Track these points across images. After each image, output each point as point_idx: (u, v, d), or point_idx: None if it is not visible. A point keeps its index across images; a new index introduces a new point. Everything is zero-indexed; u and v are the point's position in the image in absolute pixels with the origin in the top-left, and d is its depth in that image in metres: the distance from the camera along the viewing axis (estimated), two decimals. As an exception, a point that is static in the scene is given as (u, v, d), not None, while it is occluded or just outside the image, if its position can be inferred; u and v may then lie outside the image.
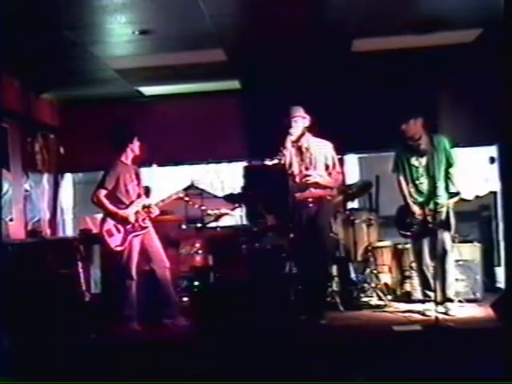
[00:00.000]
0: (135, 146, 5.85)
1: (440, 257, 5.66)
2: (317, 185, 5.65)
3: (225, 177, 8.60)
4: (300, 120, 5.70)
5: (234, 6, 5.38)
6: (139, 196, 5.82)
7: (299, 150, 5.71)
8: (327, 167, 5.71)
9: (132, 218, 5.66)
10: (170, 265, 5.88)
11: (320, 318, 5.58)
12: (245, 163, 8.10)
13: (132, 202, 5.74)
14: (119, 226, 5.67)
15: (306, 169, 5.68)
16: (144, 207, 5.76)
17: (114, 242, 5.64)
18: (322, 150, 5.72)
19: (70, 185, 8.46)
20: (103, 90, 7.71)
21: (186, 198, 6.43)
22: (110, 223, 5.66)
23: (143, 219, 5.73)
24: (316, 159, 5.68)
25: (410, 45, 6.41)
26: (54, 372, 4.21)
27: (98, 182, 5.76)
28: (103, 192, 5.65)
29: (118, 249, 5.64)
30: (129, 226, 5.67)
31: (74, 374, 4.16)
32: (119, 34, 5.84)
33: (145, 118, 7.63)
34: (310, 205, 5.64)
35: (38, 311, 5.60)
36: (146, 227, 5.74)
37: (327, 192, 5.74)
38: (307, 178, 5.61)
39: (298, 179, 5.66)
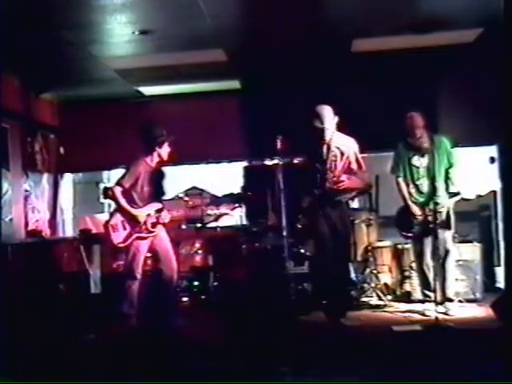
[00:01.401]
0: (164, 151, 5.74)
1: (441, 257, 5.67)
2: (348, 189, 5.51)
3: (225, 177, 8.59)
4: (331, 121, 5.46)
5: (235, 6, 5.38)
6: (154, 199, 5.79)
7: (328, 150, 5.51)
8: (352, 166, 5.54)
9: (142, 219, 5.64)
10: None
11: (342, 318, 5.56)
12: (245, 163, 8.11)
13: (145, 205, 5.71)
14: (126, 224, 5.65)
15: (332, 170, 5.48)
16: (157, 211, 5.74)
17: (117, 237, 5.61)
18: (347, 148, 5.53)
19: (70, 185, 8.46)
20: (103, 89, 7.71)
21: (186, 198, 6.44)
22: (118, 218, 5.63)
23: (152, 223, 5.69)
24: (342, 159, 5.49)
25: (409, 45, 6.41)
26: (54, 372, 4.22)
27: (118, 177, 5.74)
28: (119, 189, 5.62)
29: (120, 245, 5.64)
30: (136, 227, 5.65)
31: (74, 374, 4.17)
32: (119, 34, 5.84)
33: (145, 118, 7.63)
34: (336, 206, 5.52)
35: (38, 311, 5.61)
36: (152, 231, 5.71)
37: (353, 194, 5.67)
38: (340, 184, 5.43)
39: (328, 183, 5.46)
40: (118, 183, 5.66)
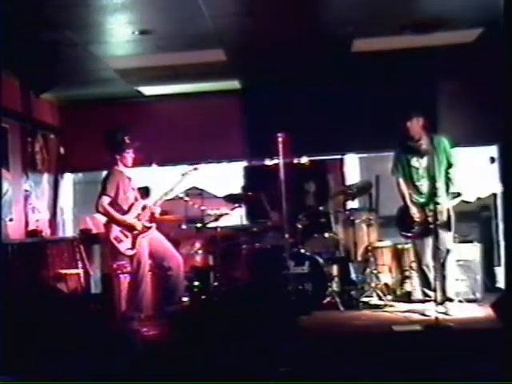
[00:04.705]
0: (126, 159, 5.72)
1: (441, 257, 5.67)
2: None
3: (225, 177, 8.59)
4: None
5: (234, 7, 5.38)
6: (136, 199, 5.78)
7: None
8: None
9: (138, 224, 5.62)
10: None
11: None
12: (245, 163, 8.10)
13: (131, 206, 5.69)
14: (126, 232, 5.62)
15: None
16: (143, 208, 5.74)
17: (124, 246, 5.59)
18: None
19: (70, 185, 8.46)
20: (103, 89, 7.72)
21: (186, 198, 6.44)
22: (116, 230, 5.58)
23: (146, 220, 5.70)
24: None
25: (410, 45, 6.41)
26: (54, 372, 4.21)
27: (100, 190, 5.68)
28: (107, 200, 5.54)
29: (130, 253, 5.59)
30: (135, 230, 5.63)
31: (74, 374, 4.16)
32: (119, 34, 5.85)
33: (145, 118, 7.64)
34: None
35: (38, 311, 5.60)
36: (150, 227, 5.71)
37: None
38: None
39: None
40: (104, 193, 5.58)
